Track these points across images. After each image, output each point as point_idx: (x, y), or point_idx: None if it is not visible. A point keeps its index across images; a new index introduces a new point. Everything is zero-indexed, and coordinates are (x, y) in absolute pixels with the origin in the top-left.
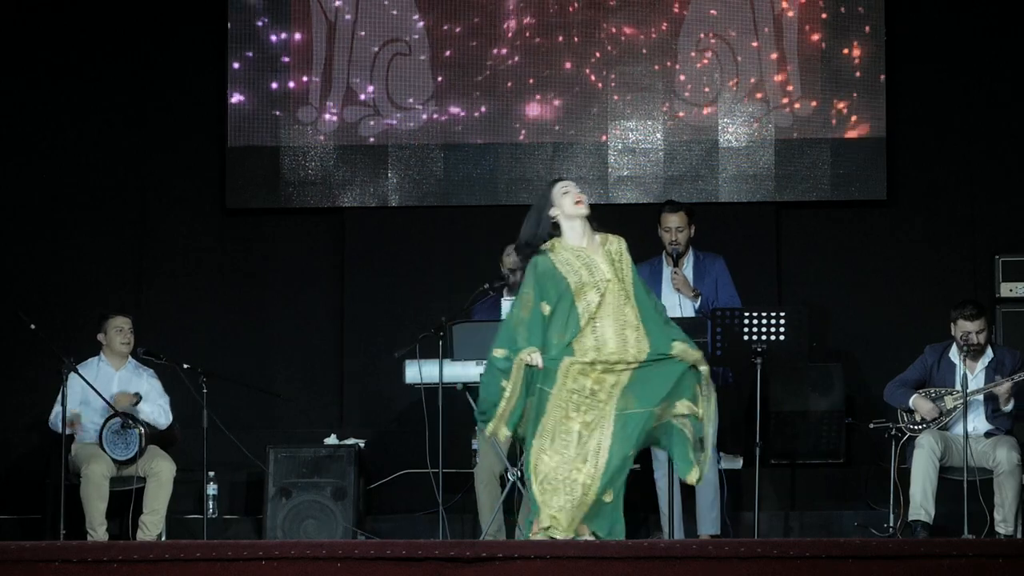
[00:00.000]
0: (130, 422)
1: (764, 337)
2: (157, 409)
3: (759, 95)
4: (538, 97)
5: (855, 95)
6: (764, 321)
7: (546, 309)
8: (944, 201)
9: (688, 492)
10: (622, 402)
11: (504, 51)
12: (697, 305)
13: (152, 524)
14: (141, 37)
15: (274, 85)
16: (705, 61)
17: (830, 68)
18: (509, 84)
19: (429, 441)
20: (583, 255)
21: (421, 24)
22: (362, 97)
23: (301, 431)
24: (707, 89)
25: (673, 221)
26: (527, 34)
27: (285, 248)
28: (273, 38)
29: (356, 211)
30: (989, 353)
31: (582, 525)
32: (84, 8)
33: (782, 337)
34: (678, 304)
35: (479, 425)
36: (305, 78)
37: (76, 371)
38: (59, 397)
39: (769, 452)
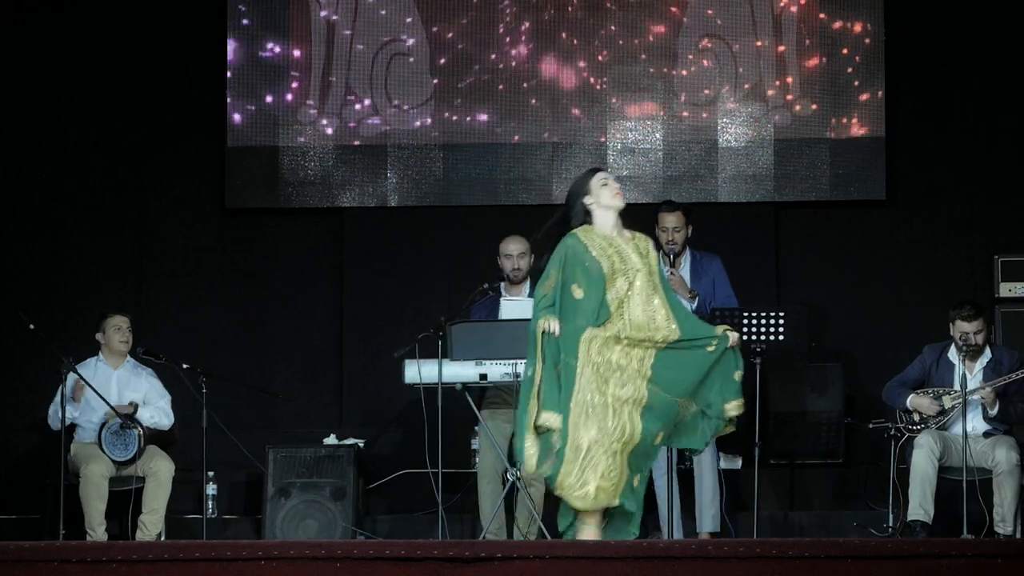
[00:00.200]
0: (129, 422)
1: (763, 337)
2: (158, 412)
3: (758, 95)
4: (537, 97)
5: (854, 95)
6: (763, 321)
7: (578, 293)
8: (943, 201)
9: (687, 492)
10: (652, 382)
11: (503, 51)
12: (694, 306)
13: (151, 524)
14: (141, 37)
15: (273, 85)
16: (704, 62)
17: (829, 68)
18: (508, 84)
19: (428, 441)
20: (614, 243)
21: (420, 24)
22: (361, 97)
23: (300, 431)
24: (706, 90)
25: (670, 221)
26: (526, 34)
27: (284, 248)
28: (272, 38)
29: (355, 211)
30: (988, 353)
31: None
32: (84, 8)
33: (781, 337)
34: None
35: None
36: (304, 78)
37: (75, 371)
38: (57, 396)
39: (768, 452)
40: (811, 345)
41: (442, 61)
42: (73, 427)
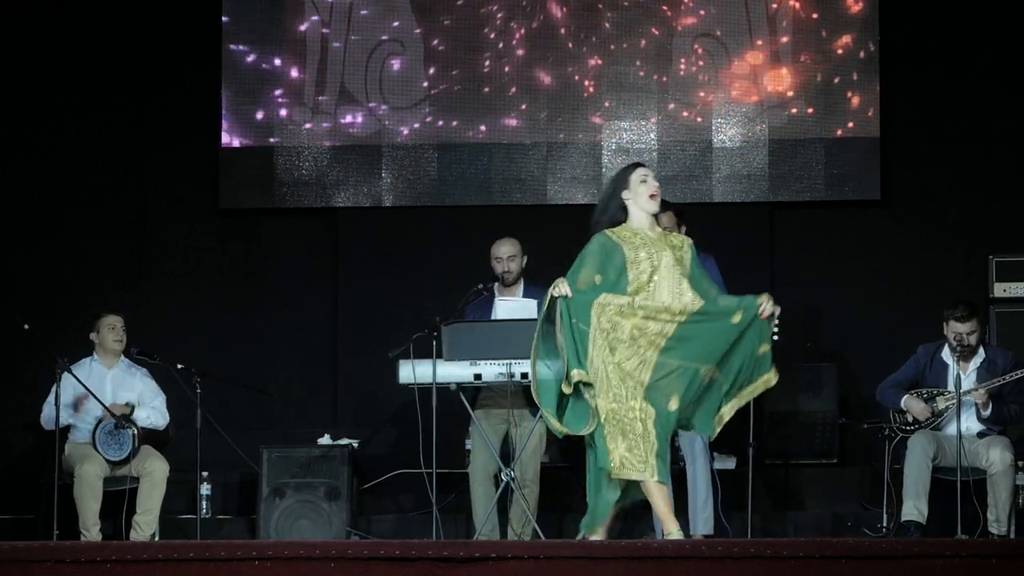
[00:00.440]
0: (123, 422)
1: None
2: (153, 412)
3: (753, 95)
4: (531, 97)
5: (849, 95)
6: None
7: (598, 279)
8: (938, 201)
9: (681, 492)
10: (664, 352)
11: (498, 51)
12: None
13: (145, 524)
14: (137, 38)
15: (268, 85)
16: (699, 62)
17: (823, 68)
18: (502, 84)
19: (423, 441)
20: (645, 237)
21: (415, 25)
22: (356, 97)
23: (295, 431)
24: (701, 91)
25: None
26: (520, 35)
27: (279, 248)
28: (266, 39)
29: (350, 211)
30: (981, 353)
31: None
32: (83, 8)
33: (775, 337)
34: None
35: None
36: (299, 78)
37: (70, 371)
38: (51, 397)
39: (763, 452)
40: (806, 345)
41: (436, 61)
42: (68, 427)
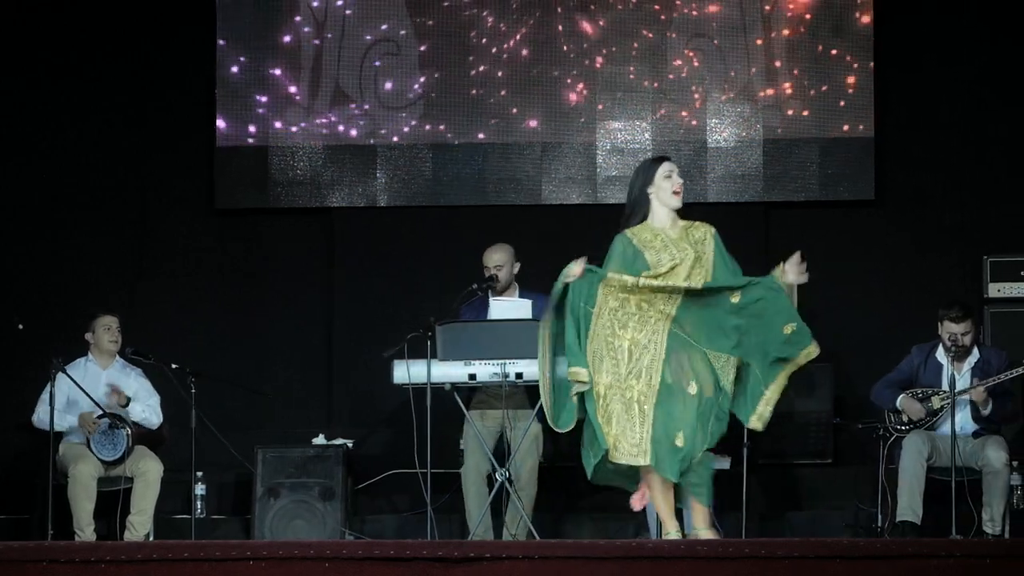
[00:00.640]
0: (118, 422)
1: None
2: (148, 409)
3: (747, 96)
4: (526, 97)
5: (843, 95)
6: None
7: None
8: (933, 201)
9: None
10: (676, 324)
11: (492, 52)
12: None
13: (140, 524)
14: (134, 38)
15: (262, 85)
16: (694, 62)
17: (818, 68)
18: (498, 84)
19: (417, 441)
20: (663, 236)
21: (410, 24)
22: (351, 97)
23: (289, 431)
24: (695, 90)
25: None
26: (515, 35)
27: (274, 248)
28: (261, 39)
29: (345, 211)
30: (976, 353)
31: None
32: (78, 8)
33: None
34: None
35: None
36: (294, 78)
37: (64, 371)
38: (45, 396)
39: (757, 452)
40: None
41: (430, 61)
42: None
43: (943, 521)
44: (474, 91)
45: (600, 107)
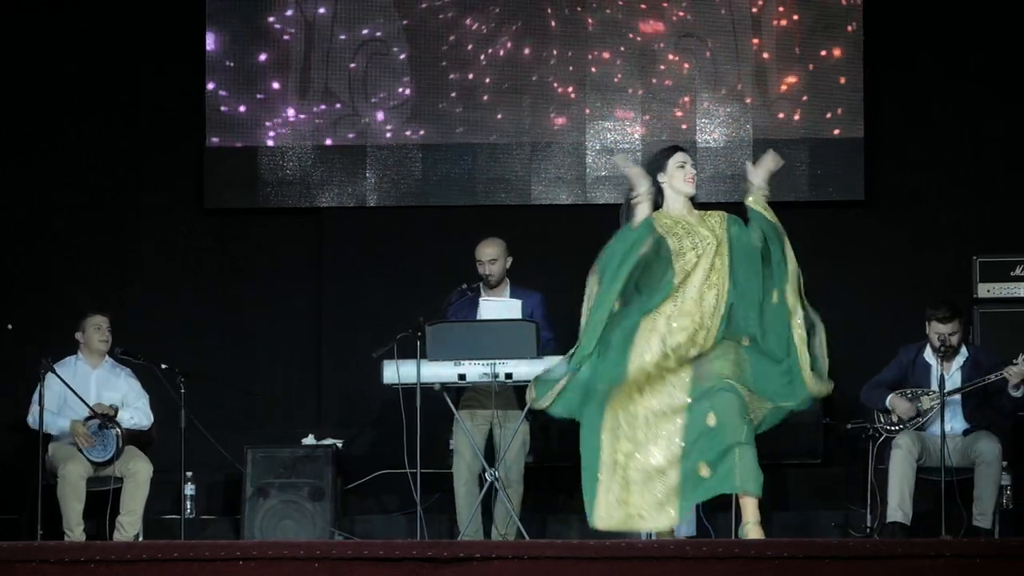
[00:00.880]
0: (108, 423)
1: None
2: (137, 413)
3: (736, 96)
4: (515, 97)
5: (833, 95)
6: None
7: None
8: (922, 201)
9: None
10: (694, 385)
11: (482, 51)
12: None
13: (129, 525)
14: (122, 37)
15: (252, 85)
16: (685, 64)
17: (808, 68)
18: (487, 84)
19: (407, 441)
20: (683, 222)
21: (399, 24)
22: (340, 97)
23: (279, 431)
24: (685, 91)
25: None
26: (504, 35)
27: (263, 248)
28: (251, 38)
29: (334, 211)
30: (964, 353)
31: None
32: (73, 8)
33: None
34: None
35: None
36: (283, 78)
37: (53, 371)
38: (36, 396)
39: None
40: None
41: (420, 61)
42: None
43: (933, 521)
44: (463, 91)
45: (589, 107)
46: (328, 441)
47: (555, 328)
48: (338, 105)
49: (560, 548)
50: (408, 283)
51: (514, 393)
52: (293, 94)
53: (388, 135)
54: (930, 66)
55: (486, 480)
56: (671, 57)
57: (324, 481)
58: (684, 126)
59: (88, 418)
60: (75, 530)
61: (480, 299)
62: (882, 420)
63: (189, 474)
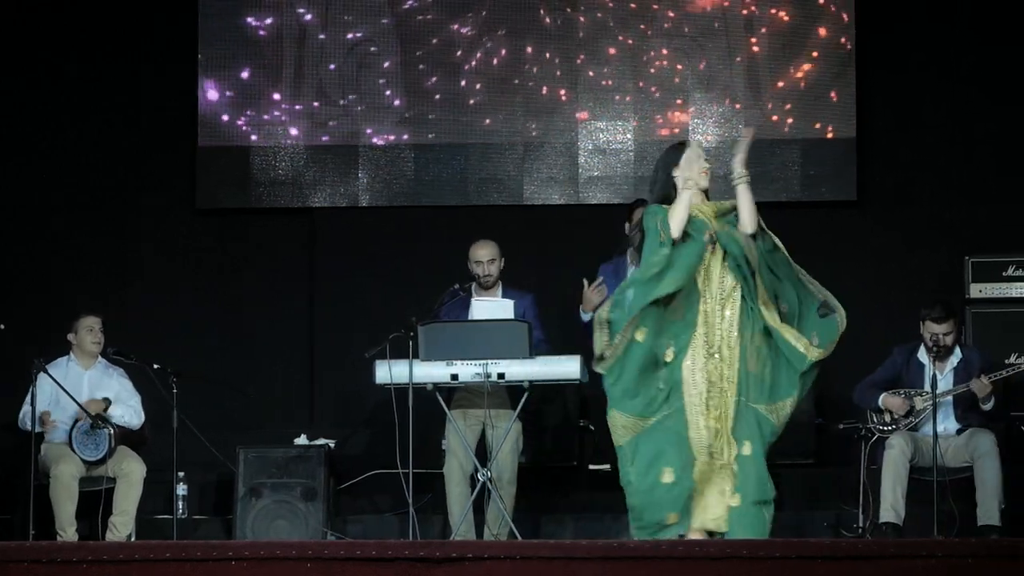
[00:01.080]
0: (100, 422)
1: None
2: (129, 411)
3: (729, 96)
4: (508, 97)
5: (825, 96)
6: None
7: (662, 252)
8: (914, 202)
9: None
10: (741, 388)
11: (474, 52)
12: None
13: (122, 525)
14: (114, 37)
15: (244, 85)
16: (677, 64)
17: (799, 69)
18: (480, 84)
19: (399, 441)
20: (701, 210)
21: (392, 24)
22: (332, 97)
23: (271, 431)
24: (677, 91)
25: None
26: (497, 35)
27: (256, 248)
28: (244, 38)
29: (326, 211)
30: (957, 353)
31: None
32: (63, 9)
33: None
34: None
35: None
36: (276, 78)
37: (45, 371)
38: (28, 396)
39: None
40: None
41: (412, 61)
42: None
43: (925, 521)
44: (456, 91)
45: (582, 107)
46: (320, 441)
47: (547, 329)
48: (330, 105)
49: (552, 548)
50: (400, 283)
51: (506, 393)
52: (285, 94)
53: (380, 135)
54: (921, 67)
55: (478, 480)
56: (664, 57)
57: (316, 481)
58: (676, 126)
59: (79, 419)
60: (67, 530)
61: (472, 299)
62: (875, 420)
63: (181, 474)
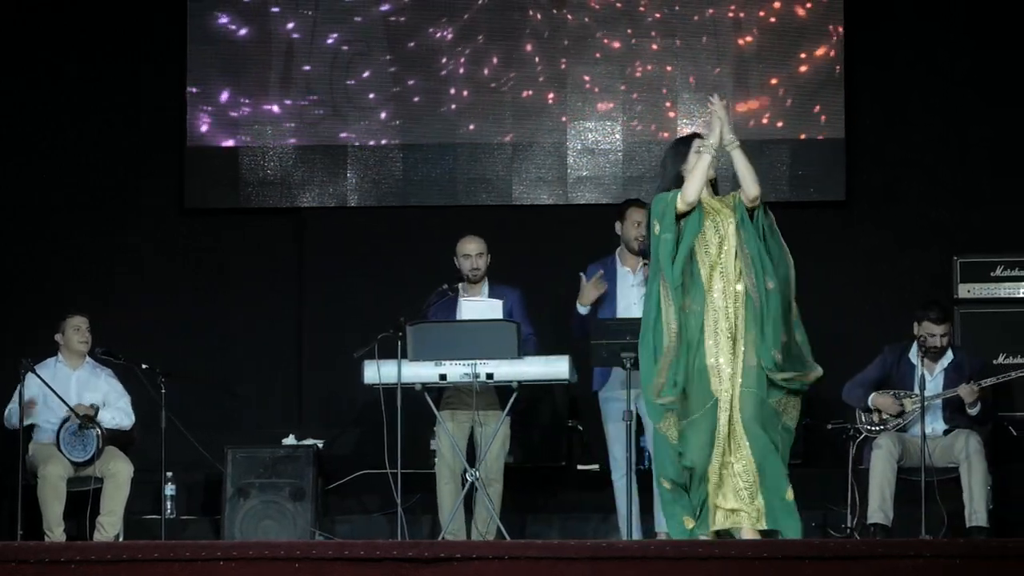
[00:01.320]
0: (88, 423)
1: None
2: (119, 413)
3: (718, 96)
4: (496, 97)
5: (814, 96)
6: None
7: (667, 238)
8: (903, 202)
9: (646, 492)
10: (745, 376)
11: (463, 52)
12: None
13: (109, 525)
14: (102, 36)
15: (233, 85)
16: (665, 65)
17: (788, 70)
18: (468, 85)
19: (387, 441)
20: (708, 203)
21: (381, 24)
22: (321, 97)
23: (259, 431)
24: (665, 90)
25: (641, 216)
26: (485, 35)
27: (244, 248)
28: (232, 38)
29: (315, 211)
30: (949, 355)
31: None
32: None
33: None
34: (636, 302)
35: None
36: (264, 78)
37: (33, 371)
38: (15, 395)
39: None
40: None
41: (401, 61)
42: (31, 427)
43: (913, 522)
44: (444, 91)
45: (570, 107)
46: (309, 441)
47: (535, 323)
48: (319, 105)
49: (540, 548)
50: (389, 283)
51: (495, 393)
52: (274, 94)
53: (369, 135)
54: (910, 67)
55: (467, 480)
56: (652, 57)
57: (305, 481)
58: (665, 126)
59: (67, 419)
60: (55, 530)
61: (460, 299)
62: (863, 420)
63: (169, 474)
